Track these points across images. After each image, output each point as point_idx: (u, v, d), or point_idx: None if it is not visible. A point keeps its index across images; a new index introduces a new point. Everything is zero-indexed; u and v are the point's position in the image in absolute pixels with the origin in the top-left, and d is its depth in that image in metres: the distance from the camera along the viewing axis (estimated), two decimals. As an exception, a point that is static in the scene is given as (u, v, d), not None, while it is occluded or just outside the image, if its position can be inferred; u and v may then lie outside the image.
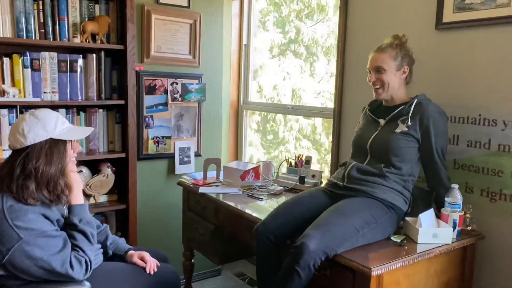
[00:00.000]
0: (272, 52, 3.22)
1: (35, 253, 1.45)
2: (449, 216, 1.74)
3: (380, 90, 1.84)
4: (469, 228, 1.81)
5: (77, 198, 1.63)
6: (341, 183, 1.86)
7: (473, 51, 1.89)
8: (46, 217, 1.51)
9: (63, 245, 1.51)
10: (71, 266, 1.50)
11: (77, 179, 1.66)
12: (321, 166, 2.90)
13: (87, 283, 1.55)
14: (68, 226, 1.59)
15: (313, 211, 1.79)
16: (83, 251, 1.54)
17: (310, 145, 3.05)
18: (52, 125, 1.55)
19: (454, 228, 1.73)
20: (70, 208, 1.61)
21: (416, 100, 1.80)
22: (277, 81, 3.21)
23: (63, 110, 2.39)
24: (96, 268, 1.67)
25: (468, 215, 1.81)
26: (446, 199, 1.76)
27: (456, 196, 1.74)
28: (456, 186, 1.75)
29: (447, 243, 1.69)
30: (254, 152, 3.42)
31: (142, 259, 1.82)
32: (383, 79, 1.81)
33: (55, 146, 1.55)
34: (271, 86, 3.26)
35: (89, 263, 1.55)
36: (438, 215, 1.79)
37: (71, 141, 1.61)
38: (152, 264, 1.80)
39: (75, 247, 1.54)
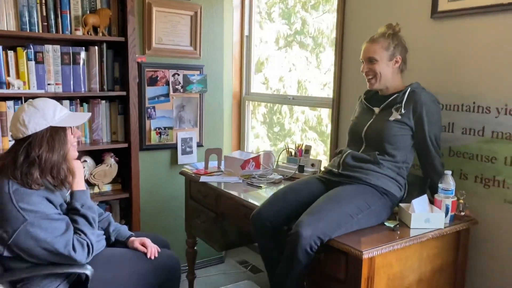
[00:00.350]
0: (278, 44, 3.24)
1: (39, 235, 1.51)
2: (442, 202, 1.78)
3: (373, 81, 1.87)
4: (462, 213, 1.84)
5: (79, 184, 1.69)
6: (336, 170, 1.90)
7: (468, 39, 1.91)
8: (50, 201, 1.58)
9: (66, 228, 1.58)
10: (74, 248, 1.56)
11: (79, 166, 1.72)
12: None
13: (89, 267, 1.61)
14: (71, 211, 1.65)
15: (307, 197, 1.84)
16: (85, 234, 1.61)
17: (316, 137, 3.08)
18: (51, 113, 1.60)
19: (446, 213, 1.77)
20: (72, 194, 1.67)
21: (409, 89, 1.83)
22: (283, 73, 3.23)
23: (66, 102, 2.45)
24: (98, 253, 1.73)
25: (461, 201, 1.84)
26: (439, 185, 1.79)
27: (449, 182, 1.78)
28: (449, 172, 1.79)
29: (440, 228, 1.73)
30: (260, 144, 3.45)
31: (143, 245, 1.88)
32: (375, 70, 1.84)
33: (55, 133, 1.60)
34: (277, 78, 3.29)
35: (90, 246, 1.61)
36: (433, 201, 1.82)
37: (71, 127, 1.67)
38: (152, 250, 1.86)
39: (77, 230, 1.61)
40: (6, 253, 1.54)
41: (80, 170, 1.73)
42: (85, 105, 2.54)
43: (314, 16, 2.97)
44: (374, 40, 1.84)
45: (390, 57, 1.83)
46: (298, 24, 3.08)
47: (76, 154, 1.74)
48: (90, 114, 1.86)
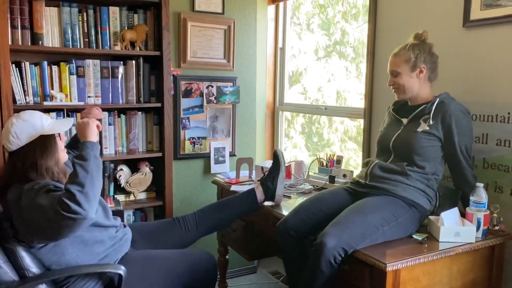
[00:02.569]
0: (318, 54, 3.25)
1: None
2: (473, 215, 1.73)
3: (398, 91, 1.89)
4: (496, 227, 1.78)
5: (87, 136, 1.71)
6: (363, 181, 1.89)
7: (501, 48, 1.86)
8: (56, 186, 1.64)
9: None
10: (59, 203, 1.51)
11: (92, 123, 1.77)
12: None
13: (122, 267, 1.67)
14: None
15: (333, 207, 1.84)
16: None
17: (356, 147, 3.05)
18: (39, 123, 1.70)
19: (478, 227, 1.72)
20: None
21: (438, 99, 1.81)
22: (322, 83, 3.23)
23: (105, 113, 2.57)
24: (134, 252, 1.81)
25: (495, 215, 1.78)
26: (471, 198, 1.74)
27: (481, 195, 1.72)
28: (481, 185, 1.74)
29: (471, 242, 1.68)
30: (298, 153, 3.46)
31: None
32: (399, 82, 1.85)
33: (46, 140, 1.70)
34: (315, 88, 3.29)
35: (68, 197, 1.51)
36: (465, 214, 1.77)
37: (59, 133, 1.77)
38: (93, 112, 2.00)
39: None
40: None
41: (93, 125, 1.75)
42: (123, 116, 2.66)
43: (354, 26, 2.96)
44: (396, 53, 1.87)
45: (412, 68, 1.82)
46: (337, 35, 3.08)
47: (66, 157, 1.83)
48: (73, 119, 1.94)
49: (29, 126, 1.68)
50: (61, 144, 1.79)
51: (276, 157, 2.28)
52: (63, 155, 1.79)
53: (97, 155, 1.67)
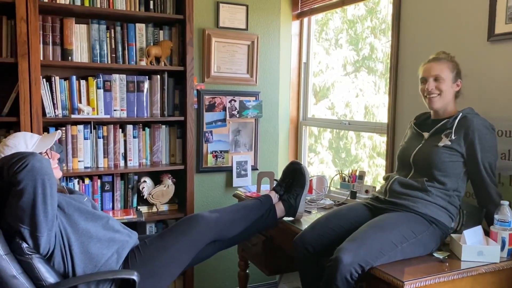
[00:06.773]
0: (346, 69, 3.24)
1: None
2: (497, 234, 1.67)
3: (437, 98, 1.80)
4: (523, 247, 1.71)
5: None
6: (382, 197, 1.86)
7: (526, 62, 1.82)
8: None
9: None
10: None
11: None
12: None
13: (135, 273, 1.68)
14: None
15: (351, 223, 1.81)
16: None
17: (385, 163, 2.99)
18: (23, 145, 1.72)
19: (503, 246, 1.65)
20: None
21: (461, 114, 1.77)
22: (350, 98, 3.21)
23: (130, 126, 2.65)
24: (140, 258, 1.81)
25: (521, 234, 1.71)
26: (495, 216, 1.69)
27: (505, 214, 1.66)
28: (506, 203, 1.68)
29: (495, 262, 1.62)
30: (325, 169, 3.43)
31: None
32: (441, 88, 1.78)
33: None
34: (343, 103, 3.27)
35: None
36: (489, 233, 1.72)
37: (47, 152, 1.78)
38: None
39: None
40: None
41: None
42: (147, 129, 2.72)
43: (383, 41, 2.94)
44: (439, 59, 1.81)
45: (454, 79, 1.80)
46: (366, 50, 3.07)
47: (60, 174, 1.85)
48: (58, 131, 1.91)
49: (13, 151, 1.67)
50: (53, 162, 1.79)
51: (300, 173, 2.22)
52: (56, 174, 1.79)
53: None
